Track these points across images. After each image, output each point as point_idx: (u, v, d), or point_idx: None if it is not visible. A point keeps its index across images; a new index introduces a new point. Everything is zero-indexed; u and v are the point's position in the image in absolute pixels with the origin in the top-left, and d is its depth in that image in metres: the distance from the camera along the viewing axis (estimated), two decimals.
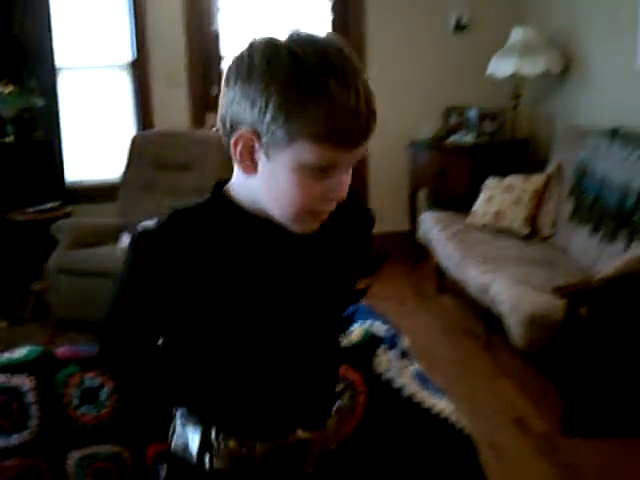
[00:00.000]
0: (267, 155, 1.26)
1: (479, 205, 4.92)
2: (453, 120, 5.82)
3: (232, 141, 1.28)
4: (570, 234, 4.41)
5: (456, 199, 5.28)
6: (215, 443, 1.41)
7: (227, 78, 1.28)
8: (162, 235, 1.32)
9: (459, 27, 5.85)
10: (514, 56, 5.21)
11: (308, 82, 1.19)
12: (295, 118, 1.20)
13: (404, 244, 5.70)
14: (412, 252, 5.60)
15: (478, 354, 4.26)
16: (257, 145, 1.26)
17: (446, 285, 4.96)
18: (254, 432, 1.41)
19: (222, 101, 1.29)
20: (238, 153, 1.28)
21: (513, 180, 4.88)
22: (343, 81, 1.20)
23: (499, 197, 4.82)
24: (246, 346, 1.37)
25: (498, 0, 5.82)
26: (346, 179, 1.30)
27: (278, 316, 1.38)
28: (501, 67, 5.29)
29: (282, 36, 1.25)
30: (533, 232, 4.69)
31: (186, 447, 1.44)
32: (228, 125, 1.28)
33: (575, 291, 3.39)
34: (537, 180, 4.81)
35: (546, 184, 4.77)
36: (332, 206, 1.31)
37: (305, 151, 1.22)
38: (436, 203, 5.46)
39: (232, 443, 1.41)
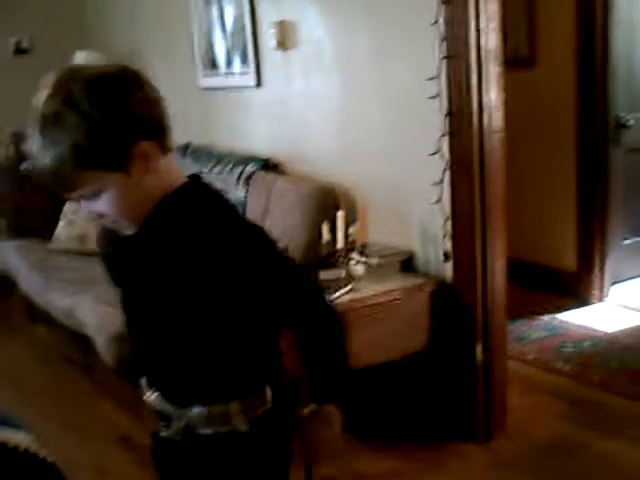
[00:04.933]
0: None
1: (60, 230, 4.84)
2: (24, 146, 5.62)
3: None
4: None
5: (36, 226, 5.12)
6: None
7: None
8: None
9: (20, 51, 5.69)
10: None
11: None
12: None
13: None
14: None
15: (78, 379, 4.18)
16: None
17: (37, 314, 4.78)
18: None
19: None
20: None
21: None
22: None
23: (81, 221, 4.78)
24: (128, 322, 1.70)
25: (59, 24, 5.74)
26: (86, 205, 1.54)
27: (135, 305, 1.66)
28: None
29: None
30: None
31: None
32: None
33: None
34: None
35: None
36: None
37: None
38: (15, 232, 5.24)
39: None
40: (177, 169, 1.60)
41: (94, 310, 3.68)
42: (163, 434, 1.71)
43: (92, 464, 3.13)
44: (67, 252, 4.73)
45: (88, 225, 4.74)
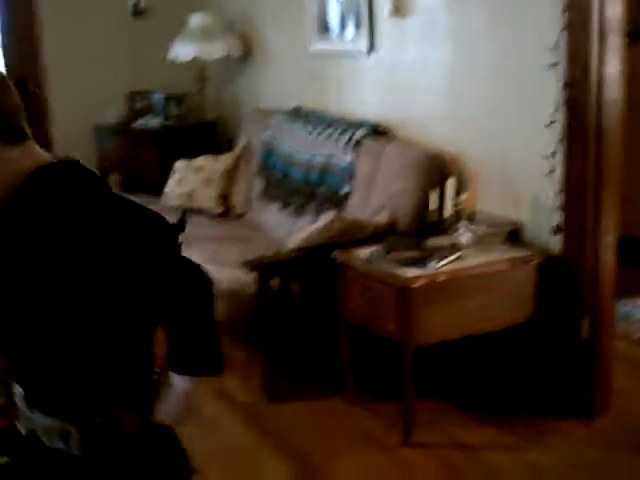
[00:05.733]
0: None
1: (171, 187, 4.96)
2: (139, 105, 5.78)
3: None
4: (262, 210, 4.58)
5: (147, 183, 5.26)
6: None
7: None
8: None
9: (137, 12, 5.82)
10: (194, 41, 5.28)
11: None
12: None
13: None
14: None
15: None
16: None
17: None
18: None
19: None
20: None
21: (203, 161, 4.97)
22: None
23: (190, 178, 4.89)
24: None
25: None
26: None
27: None
28: (182, 51, 5.34)
29: None
30: (227, 210, 4.80)
31: None
32: None
33: (264, 264, 3.52)
34: (226, 160, 4.94)
35: (236, 164, 4.91)
36: None
37: None
38: (127, 188, 5.40)
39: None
40: (29, 160, 1.46)
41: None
42: (18, 427, 1.60)
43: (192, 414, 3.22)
44: (176, 209, 4.84)
45: (197, 182, 4.85)
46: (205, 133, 5.61)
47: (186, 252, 4.33)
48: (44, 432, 1.54)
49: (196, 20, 5.35)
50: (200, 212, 4.78)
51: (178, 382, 1.65)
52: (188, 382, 1.67)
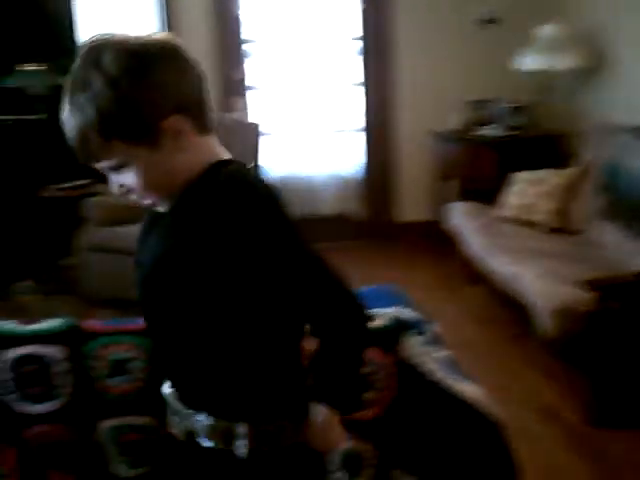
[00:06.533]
0: None
1: (509, 197, 4.89)
2: (481, 113, 5.77)
3: None
4: (601, 229, 4.36)
5: (483, 191, 5.23)
6: None
7: None
8: None
9: (488, 21, 5.80)
10: (542, 52, 5.15)
11: None
12: None
13: (428, 233, 5.75)
14: (437, 242, 5.57)
15: (508, 344, 4.23)
16: None
17: (475, 275, 4.88)
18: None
19: None
20: None
21: (544, 174, 4.85)
22: None
23: (529, 190, 4.79)
24: None
25: None
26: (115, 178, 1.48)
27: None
28: (529, 62, 5.24)
29: None
30: (562, 226, 4.64)
31: None
32: None
33: (607, 285, 3.37)
34: (568, 175, 4.77)
35: (577, 179, 4.73)
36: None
37: None
38: (464, 194, 5.42)
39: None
40: (214, 151, 1.52)
41: (539, 282, 3.69)
42: (173, 430, 1.65)
43: (516, 430, 3.15)
44: (514, 220, 4.78)
45: (536, 195, 4.75)
46: (544, 145, 5.47)
47: (519, 266, 4.17)
48: (208, 432, 1.56)
49: (547, 31, 5.22)
50: (534, 225, 4.67)
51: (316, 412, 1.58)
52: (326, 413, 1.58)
